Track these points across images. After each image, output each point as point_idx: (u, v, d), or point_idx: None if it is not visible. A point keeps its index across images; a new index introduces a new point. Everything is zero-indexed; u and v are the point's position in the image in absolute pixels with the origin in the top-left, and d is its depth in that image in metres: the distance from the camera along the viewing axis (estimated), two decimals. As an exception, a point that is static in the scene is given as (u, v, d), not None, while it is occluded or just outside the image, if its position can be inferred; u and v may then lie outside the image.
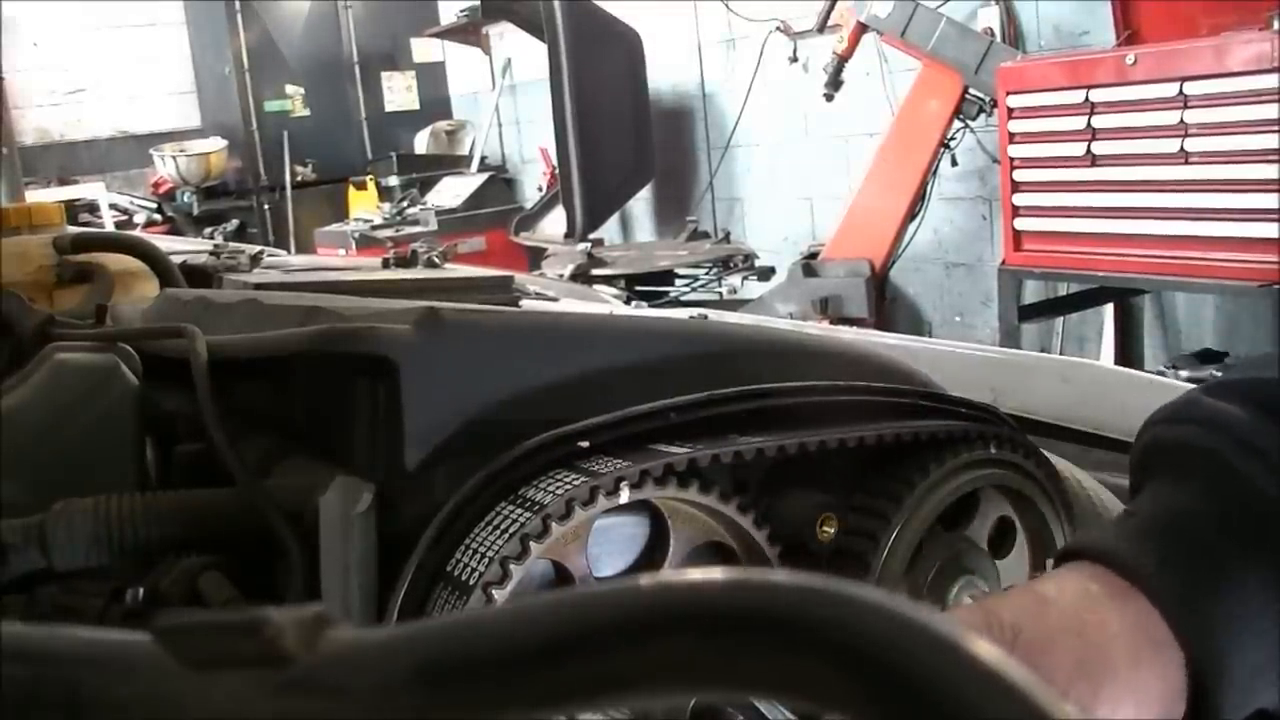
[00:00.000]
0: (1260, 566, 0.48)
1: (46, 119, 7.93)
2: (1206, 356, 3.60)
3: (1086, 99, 3.28)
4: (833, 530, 0.65)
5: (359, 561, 0.59)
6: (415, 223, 6.53)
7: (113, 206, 7.32)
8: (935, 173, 4.41)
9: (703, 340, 0.73)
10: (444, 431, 0.60)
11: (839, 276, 4.42)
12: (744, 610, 0.22)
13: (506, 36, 7.46)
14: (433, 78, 8.70)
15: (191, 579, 0.65)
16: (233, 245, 1.65)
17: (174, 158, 7.68)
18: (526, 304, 1.57)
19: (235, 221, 7.84)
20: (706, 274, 5.15)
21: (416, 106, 8.58)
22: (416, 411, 0.60)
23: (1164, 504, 0.52)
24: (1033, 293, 4.01)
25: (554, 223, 6.35)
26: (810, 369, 0.70)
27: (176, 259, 1.43)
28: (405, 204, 6.85)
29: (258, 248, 1.62)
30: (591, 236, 5.84)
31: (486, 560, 0.53)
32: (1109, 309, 4.00)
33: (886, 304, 4.72)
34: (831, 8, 4.48)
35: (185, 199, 7.75)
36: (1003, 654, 0.21)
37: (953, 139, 4.28)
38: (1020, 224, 3.61)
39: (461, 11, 7.46)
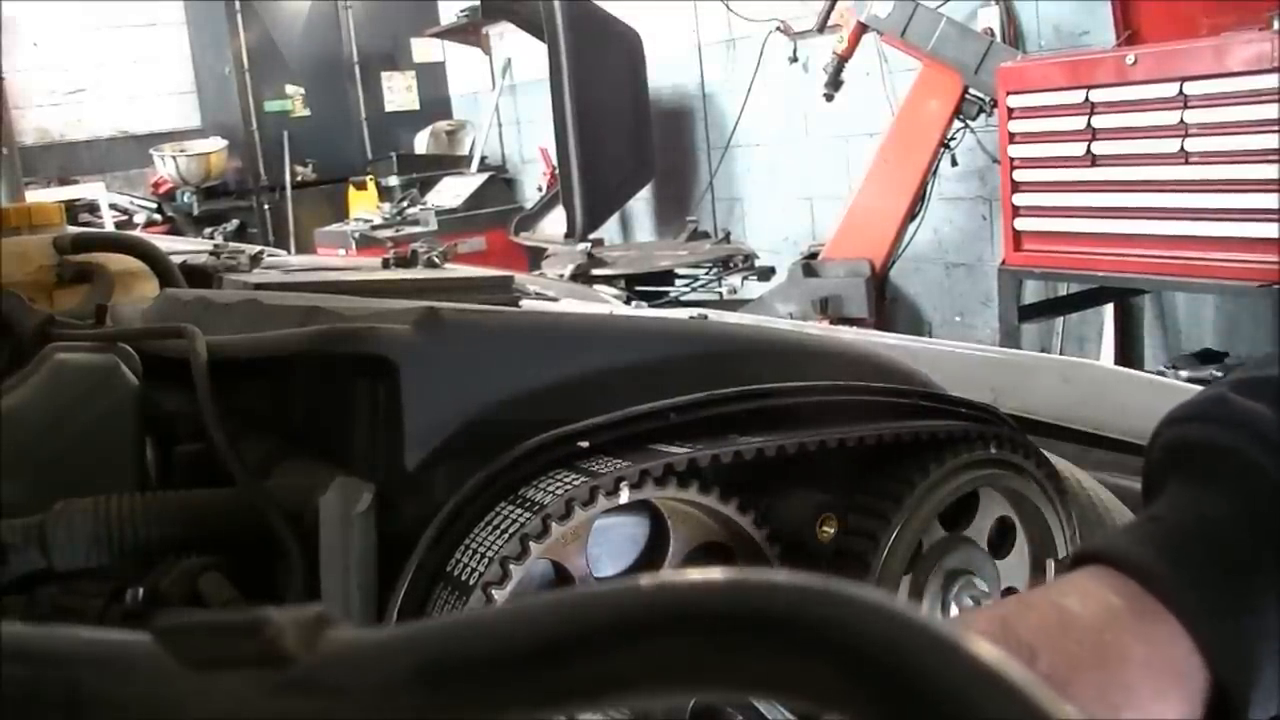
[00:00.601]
0: None
1: (46, 119, 7.94)
2: (1206, 356, 3.60)
3: (1086, 99, 3.28)
4: (833, 530, 0.65)
5: (359, 561, 0.59)
6: (415, 223, 6.53)
7: (113, 206, 7.32)
8: (935, 173, 4.41)
9: (703, 340, 0.73)
10: (444, 432, 0.60)
11: (839, 276, 4.42)
12: (744, 610, 0.22)
13: (506, 36, 7.46)
14: (433, 78, 8.70)
15: (191, 579, 0.65)
16: (233, 245, 1.65)
17: (174, 158, 7.68)
18: (526, 304, 1.57)
19: (235, 221, 7.84)
20: (706, 274, 5.15)
21: (416, 106, 8.58)
22: (416, 412, 0.60)
23: (1189, 508, 0.50)
24: (1033, 293, 4.01)
25: (554, 223, 6.35)
26: (810, 369, 0.70)
27: (176, 259, 1.43)
28: (405, 204, 6.85)
29: (258, 248, 1.62)
30: (591, 236, 5.83)
31: (486, 560, 0.53)
32: (1109, 309, 4.00)
33: (886, 304, 4.72)
34: (831, 8, 4.48)
35: (185, 199, 7.75)
36: (1003, 654, 0.21)
37: (953, 139, 4.28)
38: (1020, 224, 3.61)
39: (461, 11, 7.46)
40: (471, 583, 0.53)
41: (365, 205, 7.42)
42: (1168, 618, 0.46)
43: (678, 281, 5.20)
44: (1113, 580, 0.48)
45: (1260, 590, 0.47)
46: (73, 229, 1.52)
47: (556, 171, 6.17)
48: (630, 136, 5.97)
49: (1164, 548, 0.48)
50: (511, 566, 0.53)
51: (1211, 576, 0.47)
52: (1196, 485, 0.51)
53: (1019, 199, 3.59)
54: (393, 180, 7.36)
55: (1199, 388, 0.60)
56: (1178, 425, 0.54)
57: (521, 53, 7.23)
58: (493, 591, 0.53)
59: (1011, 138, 3.56)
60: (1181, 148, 3.07)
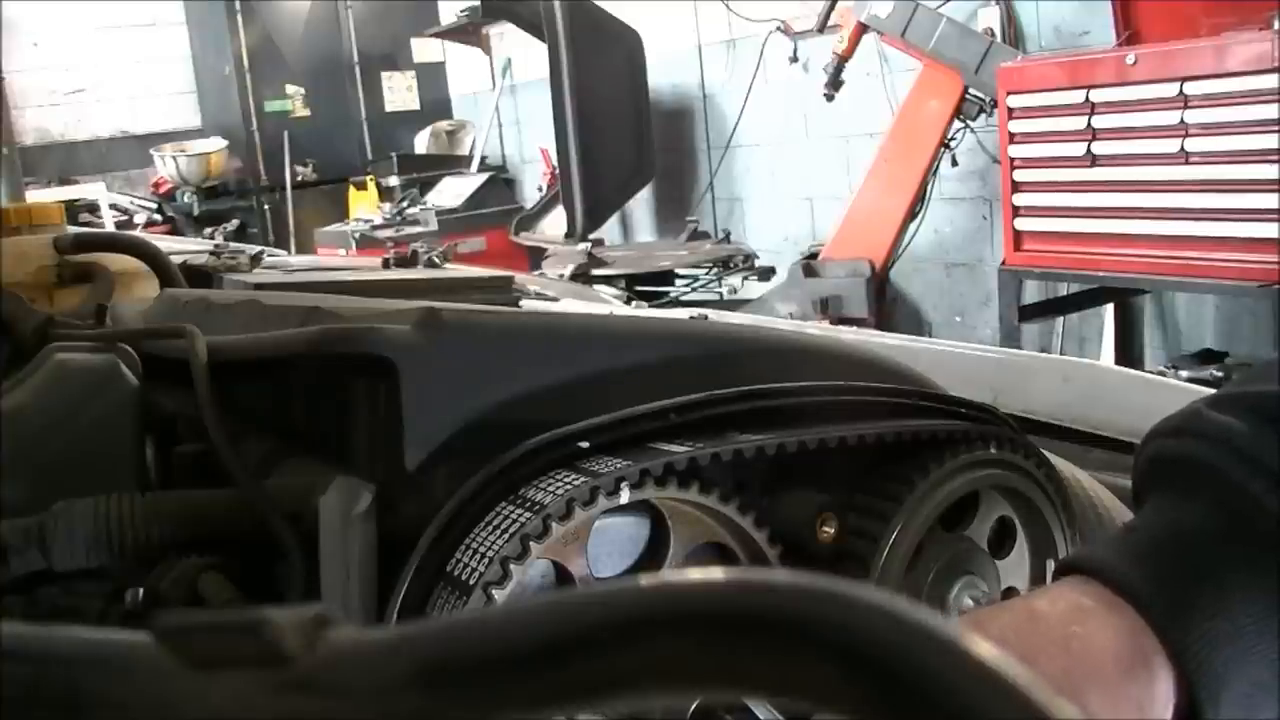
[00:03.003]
0: (1262, 582, 0.48)
1: (46, 119, 7.94)
2: (1206, 356, 3.60)
3: (1087, 99, 3.28)
4: (833, 530, 0.65)
5: (359, 561, 0.59)
6: (415, 223, 6.53)
7: (113, 206, 7.32)
8: (935, 173, 4.41)
9: (703, 340, 0.73)
10: (444, 432, 0.60)
11: (839, 276, 4.42)
12: (744, 610, 0.22)
13: (506, 36, 7.46)
14: (433, 78, 8.70)
15: (191, 579, 0.65)
16: (233, 245, 1.65)
17: (174, 158, 7.68)
18: (526, 304, 1.57)
19: (235, 221, 7.84)
20: (706, 274, 5.16)
21: (416, 106, 8.58)
22: (416, 412, 0.60)
23: (1164, 519, 0.52)
24: (1033, 293, 4.01)
25: (554, 223, 6.35)
26: (810, 369, 0.70)
27: (176, 259, 1.43)
28: (405, 204, 6.85)
29: (258, 248, 1.62)
30: (591, 236, 5.84)
31: (486, 560, 0.53)
32: (1109, 309, 4.00)
33: (886, 304, 4.72)
34: (831, 8, 4.48)
35: (185, 199, 7.75)
36: (1003, 655, 0.21)
37: (953, 139, 4.28)
38: (1020, 224, 3.61)
39: (461, 11, 7.46)
40: (472, 583, 0.53)
41: (365, 205, 7.42)
42: (1135, 616, 0.47)
43: (678, 281, 5.21)
44: (1086, 586, 0.49)
45: (1232, 596, 0.48)
46: (73, 229, 1.52)
47: (556, 171, 6.17)
48: (630, 136, 5.97)
49: (1137, 556, 0.49)
50: (512, 566, 0.53)
51: (1181, 581, 0.48)
52: (1173, 497, 0.53)
53: (1019, 199, 3.59)
54: (393, 180, 7.36)
55: (1199, 388, 0.61)
56: (1157, 440, 0.55)
57: (521, 53, 7.23)
58: (493, 591, 0.53)
59: (1012, 138, 3.56)
60: (1181, 148, 3.07)
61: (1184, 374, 3.09)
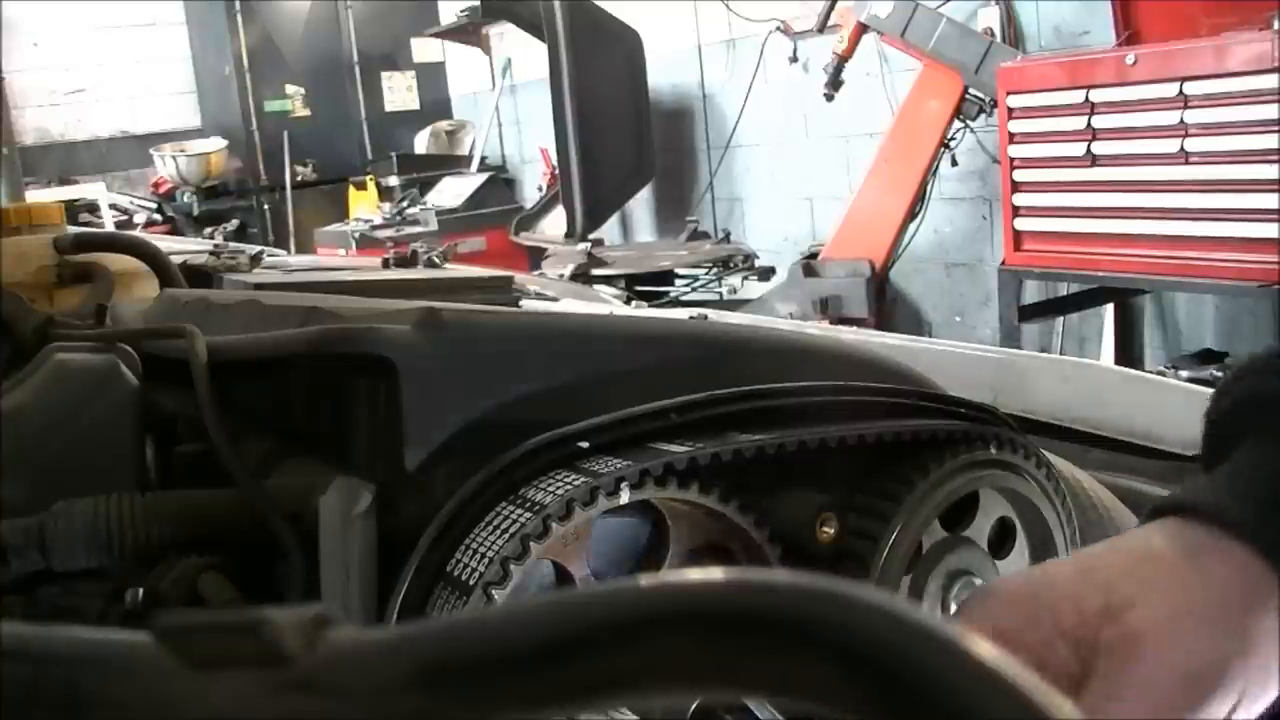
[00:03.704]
0: None
1: (46, 119, 7.94)
2: (1206, 356, 3.60)
3: (1086, 99, 3.28)
4: (833, 530, 0.65)
5: (359, 561, 0.59)
6: (415, 223, 6.53)
7: (113, 206, 7.31)
8: (935, 173, 4.41)
9: (703, 340, 0.73)
10: (444, 432, 0.60)
11: (839, 276, 4.42)
12: (744, 610, 0.22)
13: (506, 36, 7.46)
14: (433, 78, 8.70)
15: (191, 579, 0.65)
16: (233, 245, 1.65)
17: (174, 158, 7.68)
18: (526, 304, 1.57)
19: (235, 221, 7.84)
20: (706, 274, 5.16)
21: (416, 106, 8.58)
22: (416, 412, 0.60)
23: (1266, 458, 0.49)
24: (1033, 293, 4.01)
25: (554, 223, 6.35)
26: (810, 369, 0.70)
27: (176, 259, 1.43)
28: (405, 204, 6.85)
29: (258, 248, 1.62)
30: (591, 236, 5.84)
31: (487, 560, 0.53)
32: (1109, 309, 4.00)
33: (886, 304, 4.72)
34: (831, 8, 4.48)
35: (185, 199, 7.75)
36: (1003, 654, 0.21)
37: (953, 139, 4.28)
38: (1020, 224, 3.61)
39: (461, 11, 7.46)
40: (472, 583, 0.53)
41: (365, 205, 7.42)
42: (1246, 551, 0.45)
43: (678, 281, 5.21)
44: (1188, 526, 0.47)
45: None
46: (73, 229, 1.52)
47: (556, 171, 6.17)
48: (630, 136, 5.97)
49: (1242, 496, 0.47)
50: (512, 567, 0.53)
51: None
52: (1272, 436, 0.50)
53: (1019, 199, 3.59)
54: (393, 180, 7.36)
55: (1199, 388, 0.61)
56: (1249, 380, 0.53)
57: (521, 53, 7.23)
58: (493, 592, 0.53)
59: (1011, 138, 3.56)
60: (1181, 148, 3.07)
61: (1184, 374, 3.09)
